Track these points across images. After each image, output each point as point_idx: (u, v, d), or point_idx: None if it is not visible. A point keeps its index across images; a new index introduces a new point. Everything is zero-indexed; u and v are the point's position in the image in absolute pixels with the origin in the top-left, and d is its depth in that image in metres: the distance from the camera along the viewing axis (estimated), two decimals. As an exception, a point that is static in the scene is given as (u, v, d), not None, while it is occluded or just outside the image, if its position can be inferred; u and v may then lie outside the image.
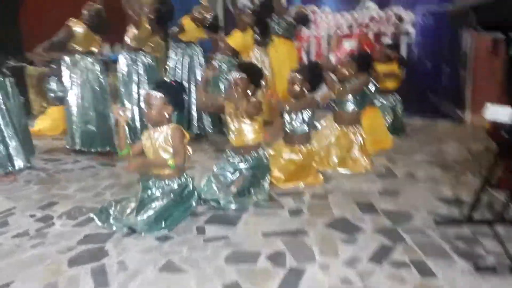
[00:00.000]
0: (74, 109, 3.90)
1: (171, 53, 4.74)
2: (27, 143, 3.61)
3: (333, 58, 6.51)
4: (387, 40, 5.87)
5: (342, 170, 3.46)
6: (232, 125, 2.91)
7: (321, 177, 3.21)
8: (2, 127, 3.33)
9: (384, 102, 4.89)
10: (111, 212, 2.48)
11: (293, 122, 3.20)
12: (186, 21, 4.62)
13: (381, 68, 4.88)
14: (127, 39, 4.19)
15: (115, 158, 3.82)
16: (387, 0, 5.95)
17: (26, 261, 2.04)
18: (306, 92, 3.21)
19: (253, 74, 2.91)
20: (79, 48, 3.86)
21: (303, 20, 5.61)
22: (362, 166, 3.47)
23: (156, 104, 2.43)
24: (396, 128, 4.80)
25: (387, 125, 4.65)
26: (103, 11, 3.90)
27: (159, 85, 2.52)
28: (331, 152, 3.57)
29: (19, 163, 3.39)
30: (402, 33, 5.91)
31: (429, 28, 5.71)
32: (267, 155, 2.98)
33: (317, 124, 3.66)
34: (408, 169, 3.45)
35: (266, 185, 2.88)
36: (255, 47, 5.00)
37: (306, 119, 3.20)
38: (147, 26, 4.10)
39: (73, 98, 3.91)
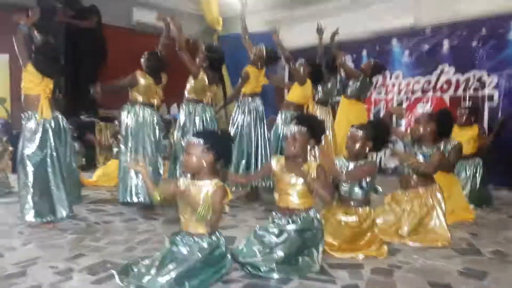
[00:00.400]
0: (126, 159, 3.82)
1: (238, 108, 4.57)
2: (73, 192, 3.53)
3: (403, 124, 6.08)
4: (466, 103, 5.26)
5: (412, 243, 2.88)
6: (278, 182, 2.55)
7: (385, 248, 2.66)
8: (50, 175, 3.26)
9: (462, 169, 4.28)
10: (135, 270, 2.17)
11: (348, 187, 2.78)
12: (251, 69, 4.45)
13: (459, 132, 4.37)
14: (186, 91, 4.16)
15: (157, 211, 3.61)
16: (469, 64, 5.50)
17: (25, 318, 1.77)
18: (367, 152, 2.80)
19: (314, 127, 2.54)
20: (140, 98, 3.86)
21: (379, 68, 5.22)
22: (439, 239, 2.87)
23: (193, 152, 2.18)
24: (478, 198, 4.12)
25: (465, 194, 4.00)
26: (159, 54, 3.96)
27: (199, 132, 2.30)
28: (402, 221, 3.03)
29: (61, 212, 3.26)
30: (483, 97, 5.35)
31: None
32: (319, 218, 2.54)
33: (378, 188, 3.20)
34: (497, 247, 2.79)
35: (317, 254, 2.41)
36: (315, 106, 4.74)
37: (364, 185, 2.76)
38: (204, 75, 4.04)
39: (127, 147, 3.86)
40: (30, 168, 3.19)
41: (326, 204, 2.70)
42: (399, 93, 6.34)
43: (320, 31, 5.10)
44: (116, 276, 2.14)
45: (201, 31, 9.46)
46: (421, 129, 3.21)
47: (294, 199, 2.46)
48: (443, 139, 3.48)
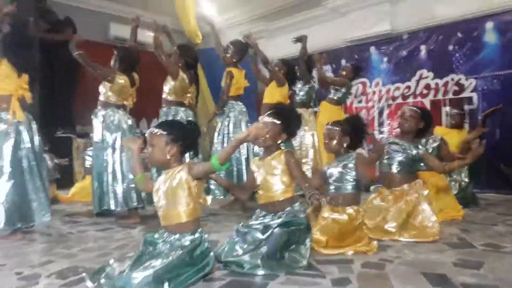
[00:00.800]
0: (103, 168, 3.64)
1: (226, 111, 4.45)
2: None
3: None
4: (453, 110, 5.14)
5: (402, 239, 2.77)
6: (259, 179, 2.43)
7: (375, 243, 2.54)
8: (27, 180, 3.06)
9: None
10: (108, 270, 1.99)
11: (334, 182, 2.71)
12: (232, 69, 4.36)
13: (448, 134, 4.41)
14: (165, 93, 4.03)
15: (136, 218, 3.44)
16: (447, 68, 5.54)
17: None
18: (345, 147, 2.73)
19: (288, 120, 2.48)
20: (113, 99, 3.72)
21: (359, 70, 5.19)
22: (429, 233, 2.77)
23: (156, 143, 2.07)
24: (464, 199, 4.06)
25: (454, 194, 3.94)
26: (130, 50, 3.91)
27: (162, 122, 2.19)
28: (386, 219, 2.93)
29: (41, 217, 3.08)
30: (462, 100, 5.38)
31: (495, 93, 5.16)
32: (304, 211, 2.41)
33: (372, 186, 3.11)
34: (489, 240, 2.71)
35: (304, 249, 2.27)
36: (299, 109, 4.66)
37: (351, 179, 2.67)
38: (183, 75, 3.93)
39: (103, 157, 3.67)
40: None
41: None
42: (379, 100, 6.34)
43: (299, 39, 5.04)
44: (87, 278, 1.96)
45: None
46: (411, 123, 3.16)
47: (276, 189, 2.36)
48: (422, 136, 3.46)
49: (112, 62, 3.83)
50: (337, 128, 2.72)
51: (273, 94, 4.41)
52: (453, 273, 2.04)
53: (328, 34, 6.66)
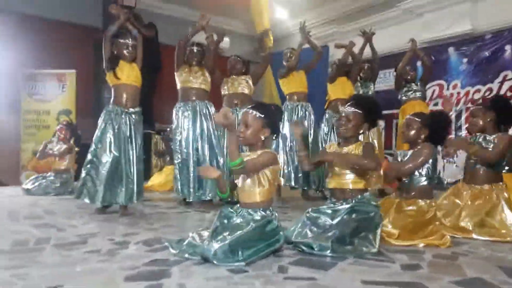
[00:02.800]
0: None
1: None
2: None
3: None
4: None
5: (478, 237, 2.67)
6: (332, 166, 2.49)
7: (448, 238, 2.48)
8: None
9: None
10: (188, 240, 2.18)
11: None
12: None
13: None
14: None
15: (210, 206, 3.65)
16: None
17: (85, 271, 1.82)
18: (422, 139, 2.68)
19: (370, 110, 2.51)
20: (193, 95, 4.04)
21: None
22: (508, 234, 2.64)
23: (253, 123, 2.19)
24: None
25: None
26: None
27: (257, 106, 2.30)
28: (462, 216, 2.84)
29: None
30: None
31: None
32: (375, 201, 2.44)
33: (443, 178, 3.02)
34: None
35: (374, 237, 2.29)
36: None
37: (424, 172, 2.63)
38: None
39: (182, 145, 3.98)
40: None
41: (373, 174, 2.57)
42: (457, 103, 6.07)
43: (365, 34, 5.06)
44: (169, 245, 2.17)
45: (252, 51, 9.74)
46: (480, 121, 3.03)
47: (345, 178, 2.40)
48: (504, 128, 3.24)
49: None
50: (417, 119, 2.70)
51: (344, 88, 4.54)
52: (533, 269, 1.96)
53: (403, 36, 6.49)
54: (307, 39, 4.80)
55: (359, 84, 5.10)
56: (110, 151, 3.36)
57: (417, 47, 4.84)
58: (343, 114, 2.47)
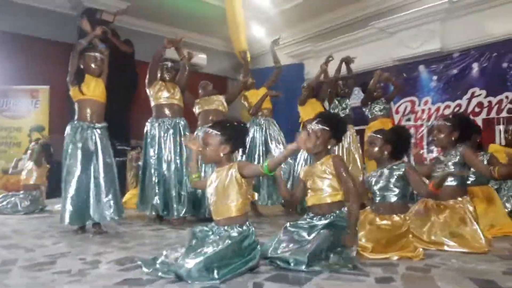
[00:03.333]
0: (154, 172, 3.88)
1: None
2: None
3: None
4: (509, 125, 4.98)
5: (448, 248, 2.72)
6: (308, 183, 2.52)
7: (421, 251, 2.52)
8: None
9: (503, 185, 4.10)
10: (162, 258, 2.14)
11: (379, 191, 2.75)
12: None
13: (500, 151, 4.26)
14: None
15: (186, 223, 3.61)
16: (501, 86, 5.40)
17: (53, 293, 1.76)
18: (386, 155, 2.76)
19: (336, 127, 2.57)
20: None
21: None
22: (477, 245, 2.69)
23: (211, 142, 2.23)
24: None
25: (508, 212, 3.80)
26: None
27: (216, 123, 2.33)
28: (432, 230, 2.89)
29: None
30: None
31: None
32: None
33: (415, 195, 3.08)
34: (545, 255, 2.60)
35: (349, 253, 2.29)
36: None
37: (397, 190, 2.69)
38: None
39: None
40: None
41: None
42: (428, 119, 6.25)
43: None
44: (142, 264, 2.12)
45: (230, 67, 9.82)
46: (445, 138, 3.12)
47: (321, 194, 2.42)
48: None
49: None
50: (379, 136, 2.77)
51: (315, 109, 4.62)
52: (501, 280, 2.00)
53: (376, 54, 6.72)
54: (272, 51, 4.98)
55: (336, 102, 5.18)
56: (76, 168, 3.26)
57: (381, 75, 4.93)
58: (310, 131, 2.50)
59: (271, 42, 5.10)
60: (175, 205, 3.78)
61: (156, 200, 3.83)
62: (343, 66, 5.26)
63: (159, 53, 4.04)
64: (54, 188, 4.59)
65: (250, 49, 8.63)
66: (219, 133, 2.23)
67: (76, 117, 3.45)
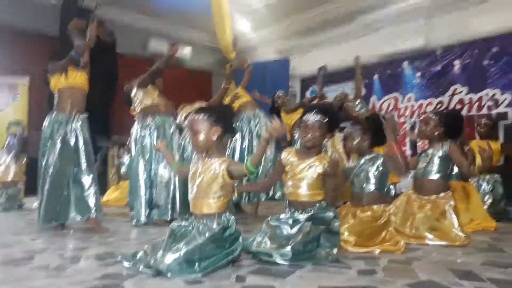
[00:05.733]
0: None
1: None
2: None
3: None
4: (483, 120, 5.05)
5: (429, 241, 2.76)
6: (290, 175, 2.50)
7: (402, 243, 2.55)
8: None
9: (480, 181, 4.18)
10: (141, 253, 2.10)
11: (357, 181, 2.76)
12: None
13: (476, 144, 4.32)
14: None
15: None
16: (482, 83, 5.49)
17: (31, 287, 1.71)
18: (366, 144, 2.77)
19: (333, 118, 2.51)
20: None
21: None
22: (457, 238, 2.74)
23: (201, 128, 2.16)
24: (497, 213, 3.97)
25: (486, 207, 3.87)
26: None
27: (201, 107, 2.27)
28: (413, 223, 2.92)
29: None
30: (497, 115, 5.29)
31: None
32: (333, 210, 2.46)
33: (390, 189, 3.11)
34: (522, 247, 2.65)
35: (332, 245, 2.29)
36: None
37: (372, 181, 2.71)
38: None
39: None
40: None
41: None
42: (411, 115, 6.32)
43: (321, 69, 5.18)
44: (123, 259, 2.08)
45: (214, 61, 9.74)
46: (429, 131, 3.15)
47: (303, 191, 2.41)
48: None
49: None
50: (356, 127, 2.79)
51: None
52: (480, 270, 2.03)
53: (361, 50, 6.70)
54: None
55: None
56: (53, 164, 3.15)
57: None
58: (309, 123, 2.47)
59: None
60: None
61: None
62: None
63: (166, 63, 3.86)
64: (34, 185, 4.48)
65: (236, 44, 8.62)
66: (206, 115, 2.17)
67: (55, 108, 3.32)
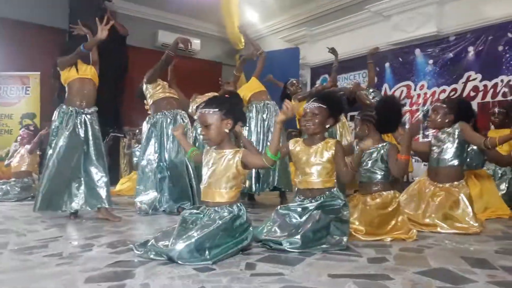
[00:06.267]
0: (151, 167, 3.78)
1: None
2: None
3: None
4: (497, 109, 4.94)
5: (442, 230, 2.73)
6: (298, 164, 2.49)
7: (414, 232, 2.52)
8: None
9: (497, 168, 4.11)
10: (152, 241, 2.12)
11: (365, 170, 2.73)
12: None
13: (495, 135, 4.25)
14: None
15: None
16: (497, 70, 5.36)
17: (44, 274, 1.73)
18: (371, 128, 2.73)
19: (333, 105, 2.51)
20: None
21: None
22: (470, 227, 2.70)
23: (211, 121, 2.15)
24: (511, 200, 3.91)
25: (502, 195, 3.80)
26: None
27: (209, 101, 2.24)
28: (426, 211, 2.89)
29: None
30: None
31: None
32: (343, 198, 2.44)
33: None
34: (537, 235, 2.61)
35: (342, 232, 2.27)
36: None
37: (378, 170, 2.68)
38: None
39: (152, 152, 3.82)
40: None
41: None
42: (424, 103, 6.22)
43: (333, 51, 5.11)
44: (134, 247, 2.10)
45: (224, 52, 9.71)
46: (439, 119, 3.10)
47: (314, 178, 2.40)
48: None
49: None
50: (359, 117, 2.79)
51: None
52: (493, 258, 2.00)
53: (372, 37, 6.64)
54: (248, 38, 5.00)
55: None
56: (59, 155, 3.17)
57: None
58: (308, 110, 2.46)
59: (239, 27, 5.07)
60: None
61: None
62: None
63: (171, 59, 3.83)
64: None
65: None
66: (217, 109, 2.15)
67: (65, 100, 3.35)
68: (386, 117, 2.69)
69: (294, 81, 4.89)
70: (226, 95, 2.27)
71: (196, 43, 8.68)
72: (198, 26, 9.14)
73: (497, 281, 1.63)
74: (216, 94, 4.27)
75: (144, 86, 3.94)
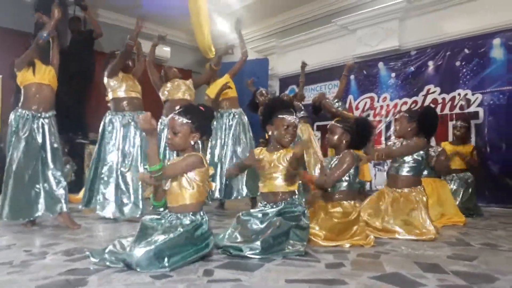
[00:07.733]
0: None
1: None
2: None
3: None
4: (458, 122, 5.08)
5: (398, 236, 2.82)
6: (263, 169, 2.52)
7: (372, 237, 2.59)
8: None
9: (453, 182, 4.30)
10: (110, 247, 2.07)
11: None
12: None
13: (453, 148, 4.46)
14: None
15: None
16: (454, 84, 5.60)
17: (-10, 284, 1.67)
18: (345, 144, 2.79)
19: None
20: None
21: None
22: (426, 232, 2.79)
23: (180, 130, 2.16)
24: (468, 209, 4.08)
25: (457, 204, 3.97)
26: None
27: (186, 109, 2.24)
28: (384, 217, 2.98)
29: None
30: (469, 115, 5.41)
31: (501, 108, 5.21)
32: (302, 202, 2.48)
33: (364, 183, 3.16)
34: (488, 241, 2.73)
35: (301, 239, 2.30)
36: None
37: (344, 178, 2.71)
38: None
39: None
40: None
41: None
42: (387, 115, 6.42)
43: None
44: (90, 254, 2.04)
45: (194, 61, 9.69)
46: (402, 129, 3.22)
47: (278, 182, 2.44)
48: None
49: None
50: (339, 125, 2.80)
51: None
52: (445, 263, 2.08)
53: (338, 50, 6.84)
54: (238, 32, 4.99)
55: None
56: (17, 160, 3.07)
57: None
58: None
59: (235, 22, 5.00)
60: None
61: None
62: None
63: (131, 46, 3.71)
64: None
65: (214, 44, 8.59)
66: (189, 121, 2.16)
67: (20, 104, 3.21)
68: (363, 136, 2.80)
69: (264, 91, 4.95)
70: (201, 108, 2.27)
71: (166, 50, 8.63)
72: (168, 34, 9.08)
73: (447, 284, 1.70)
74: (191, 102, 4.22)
75: (105, 80, 3.84)
